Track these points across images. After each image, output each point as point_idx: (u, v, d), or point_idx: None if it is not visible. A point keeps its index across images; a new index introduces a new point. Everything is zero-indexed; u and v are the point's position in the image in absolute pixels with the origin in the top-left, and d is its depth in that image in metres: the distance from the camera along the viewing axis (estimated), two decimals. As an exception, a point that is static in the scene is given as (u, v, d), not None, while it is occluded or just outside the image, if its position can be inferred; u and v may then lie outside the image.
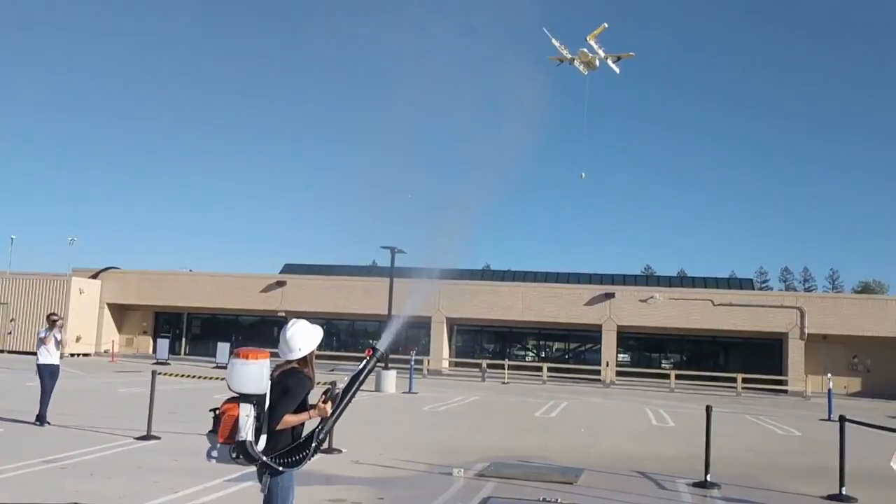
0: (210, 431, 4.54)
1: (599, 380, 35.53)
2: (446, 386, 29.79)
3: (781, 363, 36.26)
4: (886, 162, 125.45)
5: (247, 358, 4.44)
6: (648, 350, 42.13)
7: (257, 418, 4.40)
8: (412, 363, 26.91)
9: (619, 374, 36.83)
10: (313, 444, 4.57)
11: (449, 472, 10.28)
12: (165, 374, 19.88)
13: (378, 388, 24.60)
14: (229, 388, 4.46)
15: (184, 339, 44.32)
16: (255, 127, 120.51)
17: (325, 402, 4.62)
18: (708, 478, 10.33)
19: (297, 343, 4.69)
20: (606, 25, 31.89)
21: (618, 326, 37.34)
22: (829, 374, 24.77)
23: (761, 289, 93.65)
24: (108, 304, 41.89)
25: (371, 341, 34.58)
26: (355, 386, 4.77)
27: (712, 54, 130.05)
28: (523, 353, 43.20)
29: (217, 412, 4.49)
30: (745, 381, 33.46)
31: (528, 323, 39.47)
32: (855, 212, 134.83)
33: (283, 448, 4.53)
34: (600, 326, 37.38)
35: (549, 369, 36.06)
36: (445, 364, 39.08)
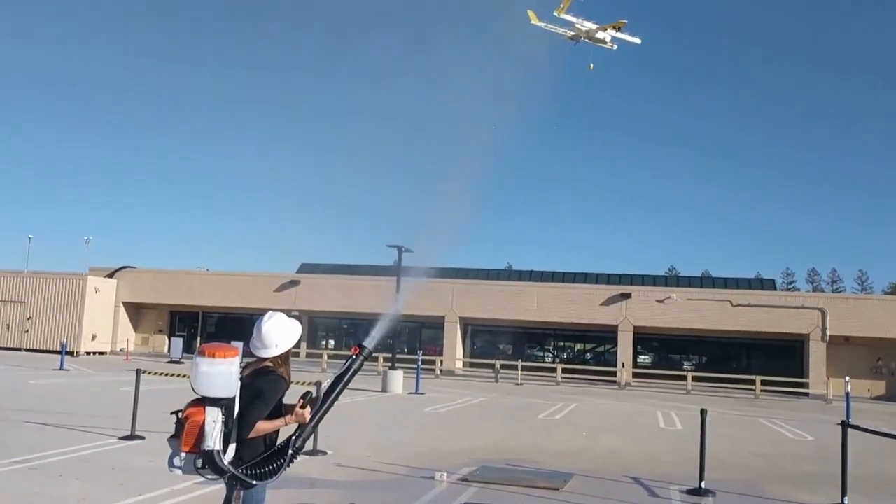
0: (172, 437, 4.00)
1: (615, 381, 34.98)
2: (457, 387, 29.43)
3: (802, 365, 35.47)
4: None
5: (213, 356, 3.89)
6: (668, 351, 41.44)
7: (225, 424, 3.88)
8: (419, 363, 26.57)
9: (636, 375, 36.24)
10: (289, 454, 4.07)
11: (432, 476, 9.92)
12: (162, 373, 19.79)
13: (384, 389, 24.30)
14: (193, 391, 3.93)
15: (199, 338, 44.39)
16: (271, 126, 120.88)
17: (303, 406, 4.11)
18: (703, 485, 9.88)
19: (273, 339, 4.20)
20: None
21: (634, 327, 36.76)
22: (847, 377, 24.02)
23: (787, 290, 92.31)
24: (124, 303, 42.12)
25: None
26: (339, 387, 4.25)
27: (742, 49, 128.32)
28: (541, 353, 42.72)
29: (180, 416, 3.97)
30: (764, 383, 32.73)
31: (543, 323, 39.01)
32: (885, 212, 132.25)
33: (255, 458, 4.05)
34: (616, 327, 36.82)
35: (565, 370, 35.57)
36: (459, 364, 38.73)
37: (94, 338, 39.27)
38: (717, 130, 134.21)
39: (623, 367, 35.63)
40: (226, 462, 3.89)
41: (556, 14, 31.85)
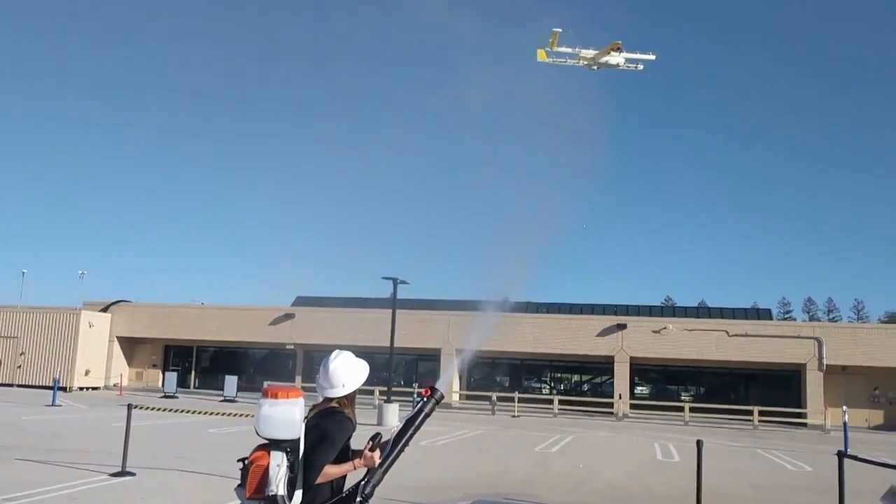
0: (238, 486, 3.82)
1: (612, 413, 34.74)
2: (454, 419, 29.19)
3: (800, 395, 35.25)
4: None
5: (276, 397, 3.76)
6: (666, 382, 41.19)
7: (290, 468, 3.72)
8: (415, 396, 26.34)
9: (633, 406, 36.02)
10: (358, 500, 3.85)
11: (425, 511, 9.80)
12: (156, 408, 19.61)
13: (379, 422, 24.10)
14: (257, 434, 3.76)
15: (193, 373, 44.13)
16: (269, 159, 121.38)
17: (371, 449, 3.91)
18: (700, 517, 9.76)
19: (340, 378, 4.00)
20: (560, 30, 32.72)
21: (630, 358, 36.60)
22: (844, 407, 23.88)
23: (784, 319, 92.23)
24: (118, 338, 41.87)
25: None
26: (411, 430, 4.07)
27: (734, 80, 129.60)
28: (538, 385, 42.44)
29: (245, 462, 3.81)
30: (762, 413, 32.54)
31: (540, 355, 38.82)
32: (880, 241, 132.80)
33: None
34: (613, 358, 36.67)
35: (562, 402, 35.34)
36: (456, 397, 38.44)
37: (87, 373, 38.97)
38: (713, 162, 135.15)
39: (620, 398, 35.41)
40: None
41: (548, 49, 32.50)
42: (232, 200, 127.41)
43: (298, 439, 3.76)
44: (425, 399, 4.17)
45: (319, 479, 3.78)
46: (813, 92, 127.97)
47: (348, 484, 3.98)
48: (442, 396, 4.27)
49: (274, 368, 40.84)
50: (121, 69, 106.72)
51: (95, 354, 40.00)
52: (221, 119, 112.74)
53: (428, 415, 4.15)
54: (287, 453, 3.71)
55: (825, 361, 33.95)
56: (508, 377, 41.97)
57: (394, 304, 26.66)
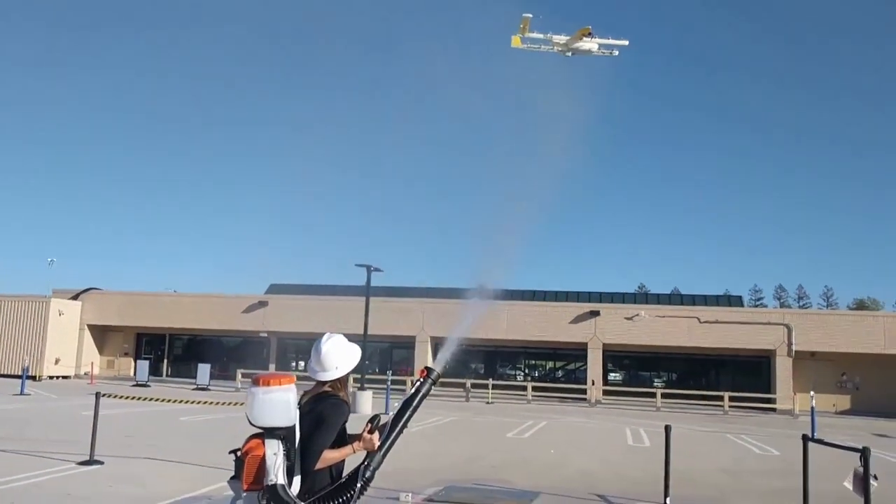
0: (232, 478, 3.74)
1: (586, 399, 35.03)
2: (427, 406, 28.94)
3: (770, 381, 35.80)
4: (886, 178, 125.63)
5: (268, 384, 3.68)
6: (638, 368, 41.64)
7: (287, 456, 3.66)
8: (388, 384, 26.40)
9: (606, 393, 36.34)
10: (359, 485, 3.79)
11: (396, 497, 9.81)
12: (126, 396, 19.43)
13: (353, 409, 24.02)
14: (250, 423, 3.69)
15: (165, 361, 43.79)
16: (242, 147, 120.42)
17: (371, 431, 3.88)
18: (668, 501, 9.89)
19: (332, 360, 3.95)
20: (530, 15, 32.86)
21: (603, 345, 36.91)
22: (812, 392, 24.29)
23: (755, 306, 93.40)
24: (89, 326, 41.41)
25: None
26: (408, 412, 4.03)
27: (707, 64, 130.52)
28: (512, 372, 42.64)
29: (239, 453, 3.72)
30: (732, 399, 32.98)
31: (514, 342, 38.99)
32: (848, 229, 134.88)
33: (322, 490, 3.78)
34: (586, 345, 36.94)
35: (535, 389, 35.57)
36: (430, 384, 38.50)
37: (57, 361, 38.49)
38: (687, 151, 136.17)
39: (593, 384, 35.71)
40: (292, 496, 3.65)
41: (520, 35, 32.53)
42: (205, 187, 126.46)
43: (294, 426, 3.72)
44: (422, 380, 4.16)
45: (319, 465, 3.74)
46: (784, 76, 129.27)
47: (346, 469, 3.95)
48: (438, 377, 4.26)
49: (247, 356, 40.65)
50: (87, 54, 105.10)
51: (66, 343, 39.51)
52: (192, 106, 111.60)
53: (425, 395, 4.13)
54: (282, 441, 3.65)
55: (794, 347, 34.53)
56: (483, 364, 42.13)
57: (367, 291, 26.60)
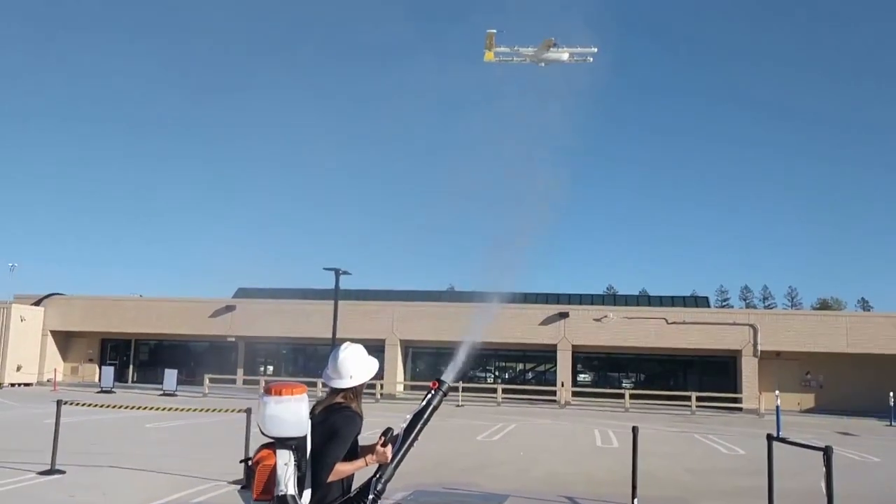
0: (242, 488, 3.69)
1: (556, 400, 35.17)
2: (397, 410, 29.00)
3: (736, 381, 36.24)
4: (849, 181, 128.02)
5: (280, 394, 3.61)
6: (608, 370, 41.90)
7: (298, 467, 3.59)
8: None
9: (576, 394, 36.52)
10: (370, 497, 3.74)
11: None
12: (90, 404, 19.08)
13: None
14: (262, 433, 3.62)
15: (131, 367, 43.16)
16: (210, 149, 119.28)
17: (384, 444, 3.80)
18: (636, 502, 9.93)
19: (349, 368, 3.89)
20: (494, 31, 33.16)
21: (573, 346, 37.10)
22: (776, 391, 24.65)
23: (722, 307, 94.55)
24: (52, 332, 40.69)
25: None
26: (419, 424, 3.98)
27: (673, 75, 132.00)
28: (482, 374, 42.67)
29: (249, 463, 3.65)
30: (699, 399, 33.33)
31: (484, 344, 38.96)
32: (812, 230, 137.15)
33: (333, 502, 3.73)
34: (556, 346, 37.10)
35: (505, 391, 35.60)
36: (400, 388, 38.43)
37: (19, 368, 37.77)
38: (652, 150, 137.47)
39: (562, 386, 35.86)
40: None
41: (486, 50, 32.83)
42: (170, 190, 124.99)
43: (305, 436, 3.65)
44: (433, 392, 4.09)
45: (331, 477, 3.67)
46: (756, 79, 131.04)
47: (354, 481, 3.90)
48: (449, 389, 4.20)
49: (215, 361, 40.16)
50: (46, 53, 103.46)
51: (28, 349, 38.79)
52: (157, 109, 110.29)
53: (436, 408, 4.07)
54: (294, 451, 3.59)
55: (760, 347, 35.01)
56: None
57: (336, 294, 26.47)
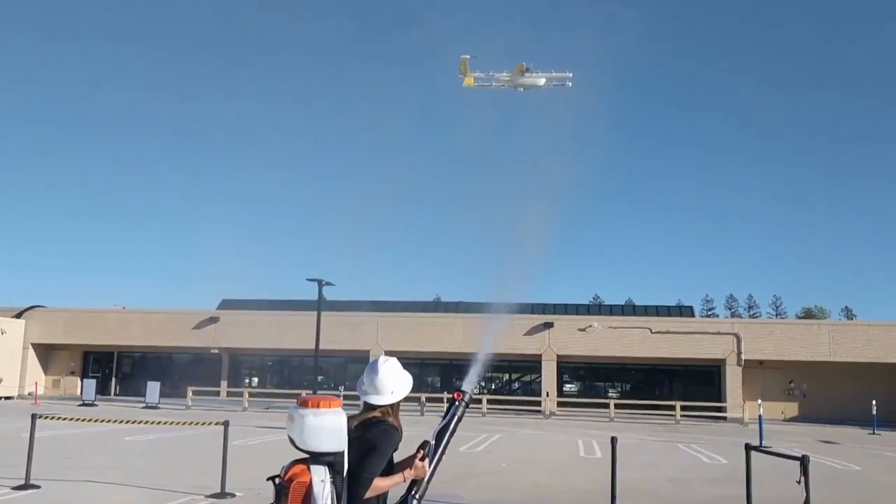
0: None
1: (541, 411, 35.13)
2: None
3: (720, 390, 36.36)
4: (833, 190, 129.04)
5: (318, 406, 3.44)
6: (593, 379, 41.93)
7: (334, 483, 3.43)
8: (341, 398, 26.09)
9: (561, 404, 36.51)
10: None
11: (343, 516, 9.65)
12: (70, 417, 18.88)
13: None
14: (296, 448, 3.46)
15: (114, 379, 42.77)
16: (193, 158, 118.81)
17: (422, 458, 3.71)
18: (616, 512, 9.91)
19: (389, 384, 3.79)
20: (467, 57, 33.42)
21: (557, 356, 37.11)
22: (759, 401, 24.74)
23: (707, 316, 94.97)
24: (33, 345, 40.32)
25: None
26: (446, 437, 3.90)
27: (656, 82, 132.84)
28: (468, 385, 42.52)
29: (279, 480, 3.46)
30: (684, 408, 33.41)
31: (470, 354, 38.43)
32: (796, 239, 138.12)
33: None
34: (540, 356, 37.10)
35: (490, 402, 35.54)
36: (385, 399, 38.23)
37: (-1, 381, 37.37)
38: (638, 163, 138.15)
39: (547, 396, 35.84)
40: None
41: (463, 76, 33.08)
42: (153, 201, 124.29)
43: (343, 452, 3.50)
44: (458, 403, 4.02)
45: (368, 493, 3.54)
46: (741, 89, 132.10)
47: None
48: (471, 398, 4.14)
49: (198, 373, 39.88)
50: (30, 61, 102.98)
51: (8, 362, 38.39)
52: (139, 116, 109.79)
53: (461, 418, 4.01)
54: (330, 467, 3.44)
55: (743, 356, 35.15)
56: (439, 377, 42.03)
57: (319, 305, 26.37)
